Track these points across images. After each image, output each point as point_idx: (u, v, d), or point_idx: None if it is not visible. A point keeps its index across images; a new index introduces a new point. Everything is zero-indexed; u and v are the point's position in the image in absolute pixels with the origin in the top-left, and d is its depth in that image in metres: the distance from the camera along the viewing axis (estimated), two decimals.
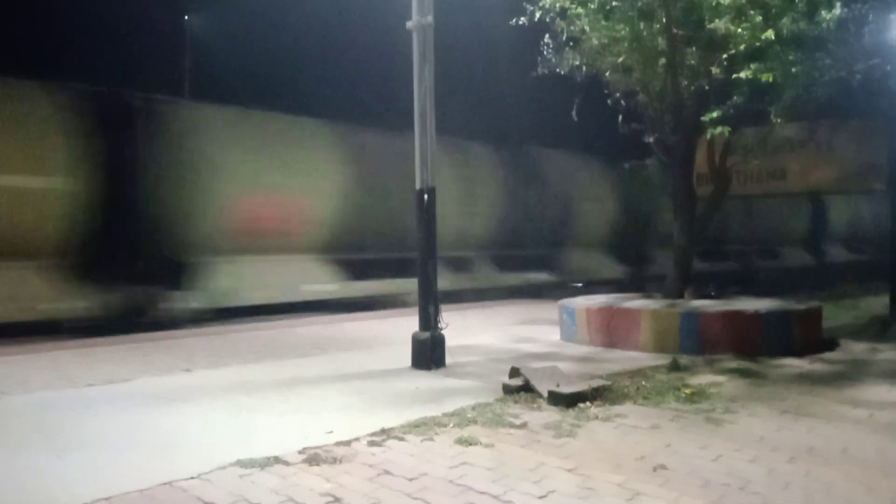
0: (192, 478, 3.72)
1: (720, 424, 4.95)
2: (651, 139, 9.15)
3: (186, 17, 23.76)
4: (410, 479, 3.76)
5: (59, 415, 5.12)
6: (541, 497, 3.55)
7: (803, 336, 8.02)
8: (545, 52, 9.16)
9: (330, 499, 3.47)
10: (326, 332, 9.80)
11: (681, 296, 8.78)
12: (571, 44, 9.01)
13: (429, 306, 6.71)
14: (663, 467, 4.03)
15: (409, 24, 6.85)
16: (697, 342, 7.66)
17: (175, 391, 5.90)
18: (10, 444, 4.41)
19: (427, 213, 6.69)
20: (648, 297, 9.20)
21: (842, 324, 10.32)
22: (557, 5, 8.33)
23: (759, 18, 7.45)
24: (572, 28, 8.67)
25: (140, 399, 5.61)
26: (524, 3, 8.61)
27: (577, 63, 8.99)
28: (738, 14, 7.63)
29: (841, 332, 9.27)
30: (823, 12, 7.46)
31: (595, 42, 8.44)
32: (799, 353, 7.62)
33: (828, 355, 7.80)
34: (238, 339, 9.11)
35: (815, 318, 8.43)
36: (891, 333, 9.35)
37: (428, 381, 6.32)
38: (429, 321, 6.70)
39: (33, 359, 7.45)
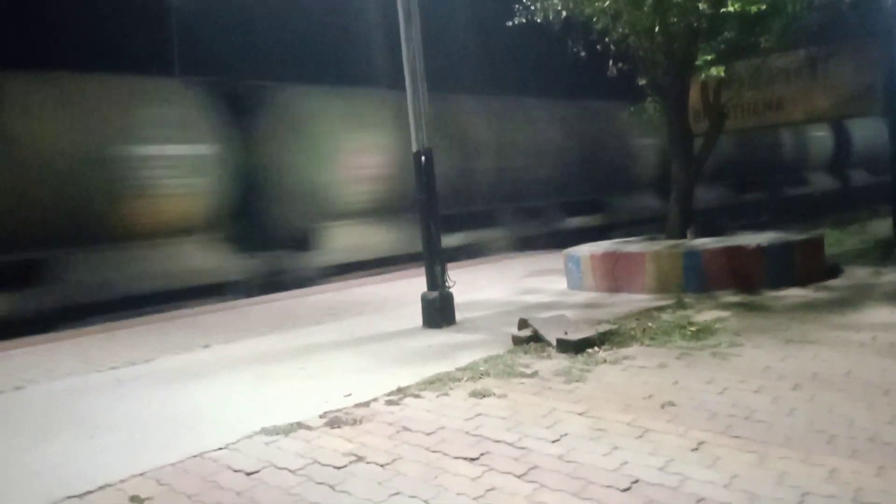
0: (220, 448, 3.89)
1: (726, 358, 5.09)
2: (644, 81, 9.13)
3: None
4: (428, 434, 3.93)
5: (87, 399, 5.30)
6: (554, 441, 3.71)
7: (806, 265, 8.10)
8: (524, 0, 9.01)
9: (353, 458, 3.64)
10: (338, 298, 9.94)
11: (683, 235, 8.86)
12: None
13: (435, 266, 6.83)
14: (671, 404, 4.17)
15: None
16: (701, 280, 7.76)
17: (196, 367, 6.08)
18: (42, 430, 4.59)
19: (426, 173, 6.76)
20: (651, 238, 9.29)
21: (846, 249, 10.41)
22: None
23: None
24: None
25: (163, 377, 5.78)
26: None
27: (560, 8, 8.88)
28: None
29: (845, 258, 9.36)
30: None
31: None
32: (802, 283, 7.73)
33: (831, 283, 7.90)
34: (251, 312, 9.28)
35: (817, 247, 8.50)
36: (895, 256, 9.43)
37: (440, 338, 6.47)
38: (436, 280, 6.83)
39: (57, 346, 7.63)
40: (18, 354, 7.32)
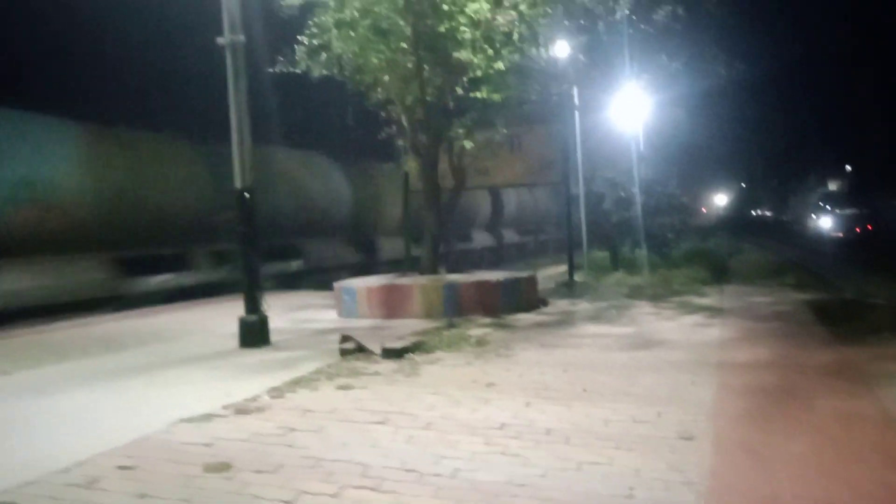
0: (158, 432, 4.47)
1: (509, 357, 6.85)
2: (404, 143, 10.93)
3: None
4: (329, 412, 4.96)
5: None
6: (427, 409, 5.02)
7: (528, 297, 10.46)
8: (293, 52, 10.19)
9: (286, 429, 4.54)
10: (115, 328, 9.85)
11: (435, 271, 10.71)
12: (324, 50, 10.20)
13: (254, 291, 7.63)
14: (492, 384, 5.74)
15: (220, 41, 7.60)
16: (457, 307, 9.62)
17: (31, 385, 6.07)
18: None
19: (248, 209, 7.59)
20: (403, 275, 10.99)
21: (541, 288, 13.22)
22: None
23: (490, 51, 9.59)
24: (329, 40, 9.92)
25: (10, 392, 5.77)
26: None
27: (331, 71, 10.26)
28: (474, 46, 9.70)
29: (543, 294, 12.03)
30: (534, 49, 9.87)
31: (361, 61, 9.91)
32: (526, 310, 10.01)
33: (545, 310, 10.33)
34: (30, 341, 8.79)
35: (534, 284, 10.98)
36: (575, 293, 12.39)
37: (268, 355, 7.29)
38: (255, 305, 7.63)
39: None
40: None
